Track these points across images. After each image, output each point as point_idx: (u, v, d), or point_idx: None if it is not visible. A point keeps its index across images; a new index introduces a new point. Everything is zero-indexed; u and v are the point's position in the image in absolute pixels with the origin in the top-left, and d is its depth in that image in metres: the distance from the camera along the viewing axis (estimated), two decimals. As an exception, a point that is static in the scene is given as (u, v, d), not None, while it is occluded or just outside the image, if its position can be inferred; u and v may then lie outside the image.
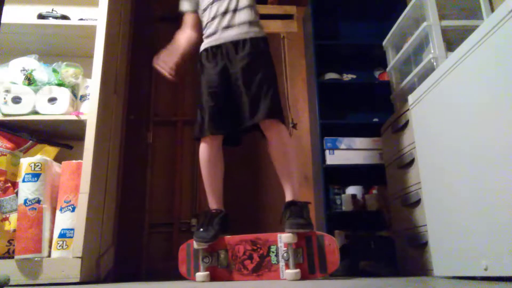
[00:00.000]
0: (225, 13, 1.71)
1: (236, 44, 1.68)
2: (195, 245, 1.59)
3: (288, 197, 1.60)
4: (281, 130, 1.63)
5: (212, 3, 1.73)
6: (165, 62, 1.69)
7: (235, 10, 1.71)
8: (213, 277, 1.60)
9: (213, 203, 1.68)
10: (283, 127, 1.65)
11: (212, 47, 1.73)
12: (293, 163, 1.66)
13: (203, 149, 1.68)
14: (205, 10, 1.77)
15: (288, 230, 1.49)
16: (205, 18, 1.78)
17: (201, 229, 1.60)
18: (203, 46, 1.78)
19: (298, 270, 1.47)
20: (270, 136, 1.64)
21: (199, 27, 1.84)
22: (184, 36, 1.82)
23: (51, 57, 1.91)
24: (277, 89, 1.67)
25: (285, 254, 1.50)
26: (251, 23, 1.72)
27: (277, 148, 1.63)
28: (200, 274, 1.57)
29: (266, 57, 1.72)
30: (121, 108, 2.18)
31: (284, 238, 1.50)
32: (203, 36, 1.80)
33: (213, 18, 1.72)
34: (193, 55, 1.84)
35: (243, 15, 1.71)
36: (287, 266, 1.52)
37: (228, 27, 1.70)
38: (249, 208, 2.63)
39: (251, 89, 1.61)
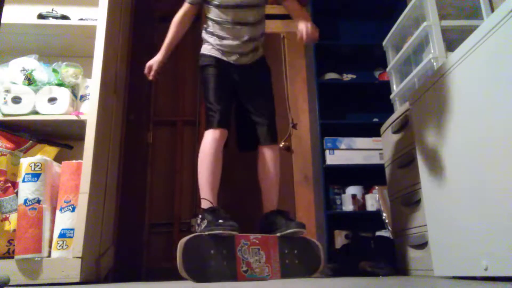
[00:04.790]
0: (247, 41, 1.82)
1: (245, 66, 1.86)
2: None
3: (274, 207, 1.76)
4: (277, 150, 1.85)
5: (234, 23, 1.78)
6: (150, 70, 1.89)
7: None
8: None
9: (213, 198, 1.65)
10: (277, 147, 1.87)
11: (224, 61, 1.83)
12: (279, 177, 1.84)
13: (211, 141, 1.68)
14: (220, 11, 1.79)
15: (293, 230, 1.60)
16: (216, 20, 1.81)
17: (220, 220, 1.52)
18: (214, 53, 1.83)
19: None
20: (267, 155, 1.80)
21: (193, 18, 1.94)
22: (181, 29, 1.90)
23: (51, 57, 1.92)
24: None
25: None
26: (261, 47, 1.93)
27: (271, 165, 1.80)
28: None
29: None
30: (121, 108, 2.18)
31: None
32: (211, 40, 1.84)
33: (234, 39, 1.80)
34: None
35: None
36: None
37: (244, 54, 1.84)
38: (248, 208, 2.63)
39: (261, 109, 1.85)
